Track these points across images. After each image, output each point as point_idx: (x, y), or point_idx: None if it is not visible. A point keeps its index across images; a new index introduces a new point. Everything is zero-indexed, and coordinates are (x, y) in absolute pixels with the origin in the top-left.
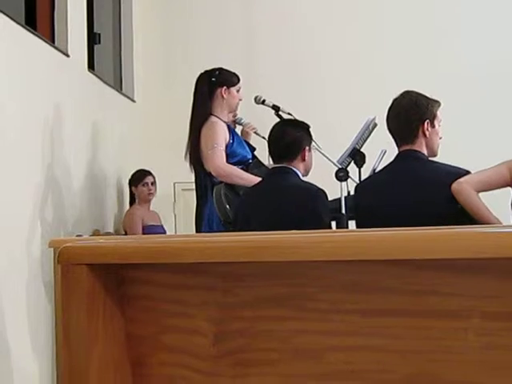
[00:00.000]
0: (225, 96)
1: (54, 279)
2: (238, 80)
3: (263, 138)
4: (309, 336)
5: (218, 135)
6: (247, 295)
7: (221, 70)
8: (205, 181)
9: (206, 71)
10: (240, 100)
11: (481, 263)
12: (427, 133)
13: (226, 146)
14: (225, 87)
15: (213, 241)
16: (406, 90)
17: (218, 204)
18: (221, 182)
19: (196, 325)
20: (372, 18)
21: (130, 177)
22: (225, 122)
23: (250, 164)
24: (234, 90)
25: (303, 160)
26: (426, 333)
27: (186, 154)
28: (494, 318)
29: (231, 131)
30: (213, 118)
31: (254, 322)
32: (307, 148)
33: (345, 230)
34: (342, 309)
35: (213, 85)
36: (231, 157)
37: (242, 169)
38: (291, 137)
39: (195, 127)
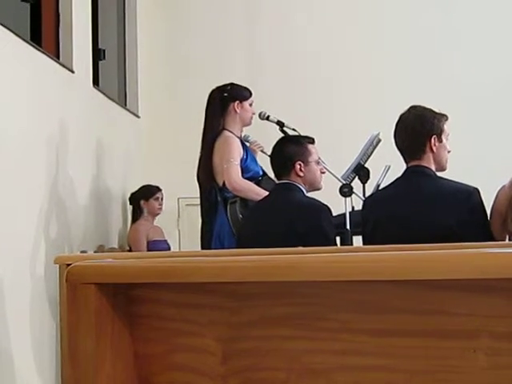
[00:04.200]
0: (238, 110)
1: (59, 296)
2: (250, 94)
3: (269, 156)
4: (317, 355)
5: (233, 150)
6: (255, 314)
7: (232, 84)
8: (216, 196)
9: (218, 87)
10: (253, 114)
11: (490, 283)
12: (434, 148)
13: (241, 161)
14: (237, 101)
15: (222, 261)
16: (412, 104)
17: (233, 221)
18: (235, 197)
19: (204, 344)
20: (378, 35)
21: (136, 191)
22: (238, 137)
23: (262, 180)
24: (246, 103)
25: (298, 175)
26: (435, 353)
27: (198, 169)
28: (503, 338)
29: (244, 146)
30: (226, 133)
31: (263, 341)
32: (299, 163)
33: (352, 247)
34: (350, 328)
35: (225, 100)
36: (245, 172)
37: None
38: (282, 153)
39: (208, 142)
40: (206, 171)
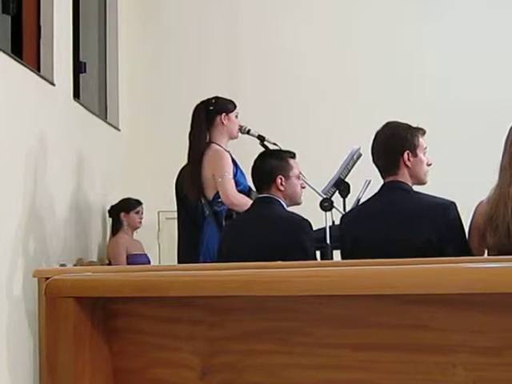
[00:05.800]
0: (225, 122)
1: (37, 309)
2: (235, 106)
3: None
4: (296, 370)
5: (226, 164)
6: (235, 329)
7: (217, 98)
8: (204, 209)
9: (203, 101)
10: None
11: (469, 298)
12: (409, 163)
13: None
14: (224, 114)
15: (200, 275)
16: (387, 121)
17: None
18: (229, 211)
19: (184, 358)
20: (362, 49)
21: (116, 203)
22: (226, 150)
23: (250, 194)
24: (232, 115)
25: (279, 189)
26: (415, 367)
27: (177, 181)
28: (483, 353)
29: (233, 160)
30: (215, 146)
31: (242, 356)
32: (281, 177)
33: (332, 262)
34: (330, 343)
35: (212, 113)
36: (236, 186)
37: None
38: (263, 167)
39: (195, 155)
40: (195, 184)
